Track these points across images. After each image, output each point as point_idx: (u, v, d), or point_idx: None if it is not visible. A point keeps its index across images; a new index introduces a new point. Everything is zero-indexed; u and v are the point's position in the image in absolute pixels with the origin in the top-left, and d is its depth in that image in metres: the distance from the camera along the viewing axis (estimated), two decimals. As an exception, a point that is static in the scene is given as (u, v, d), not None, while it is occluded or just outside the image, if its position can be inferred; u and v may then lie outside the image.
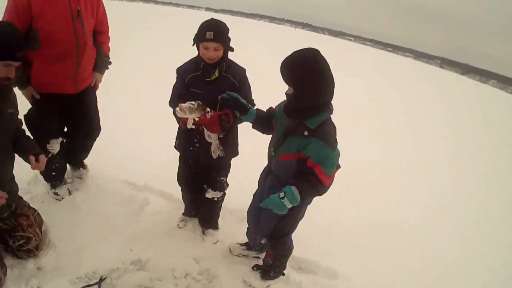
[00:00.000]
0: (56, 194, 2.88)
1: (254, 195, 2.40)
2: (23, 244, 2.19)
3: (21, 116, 2.25)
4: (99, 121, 2.95)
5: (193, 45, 2.20)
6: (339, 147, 1.87)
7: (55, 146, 2.67)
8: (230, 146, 2.41)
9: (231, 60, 2.30)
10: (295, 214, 2.09)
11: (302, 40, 26.86)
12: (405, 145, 6.43)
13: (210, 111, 2.08)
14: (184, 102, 2.02)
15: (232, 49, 2.22)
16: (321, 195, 1.88)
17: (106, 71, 2.85)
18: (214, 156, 2.32)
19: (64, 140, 2.77)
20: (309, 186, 1.83)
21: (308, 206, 2.18)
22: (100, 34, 2.70)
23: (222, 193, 2.65)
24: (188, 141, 2.40)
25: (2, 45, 1.78)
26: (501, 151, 7.72)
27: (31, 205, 2.41)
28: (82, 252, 2.41)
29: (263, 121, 2.13)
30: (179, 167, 2.65)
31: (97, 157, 3.42)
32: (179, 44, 5.40)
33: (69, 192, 2.93)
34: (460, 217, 4.17)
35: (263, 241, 2.30)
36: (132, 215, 2.88)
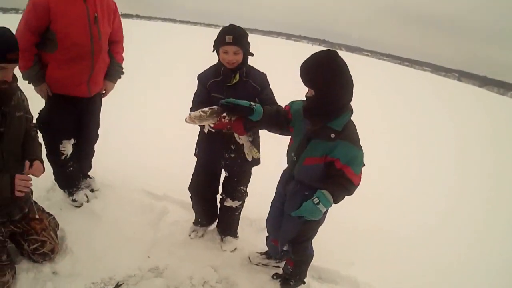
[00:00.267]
0: (74, 201, 2.87)
1: (272, 203, 2.36)
2: (37, 247, 2.17)
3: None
4: (97, 129, 2.98)
5: (213, 51, 2.23)
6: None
7: (67, 146, 2.68)
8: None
9: (252, 66, 2.32)
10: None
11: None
12: (425, 157, 6.26)
13: (229, 116, 2.02)
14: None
15: (251, 54, 2.24)
16: (351, 194, 1.88)
17: (129, 82, 2.89)
18: (249, 159, 2.28)
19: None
20: (340, 188, 1.83)
21: (328, 216, 2.14)
22: (114, 44, 2.77)
23: (241, 201, 2.62)
24: (214, 147, 2.38)
25: None
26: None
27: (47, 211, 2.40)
28: (99, 258, 2.38)
29: (271, 119, 2.04)
30: (193, 175, 2.61)
31: (117, 166, 3.50)
32: (198, 57, 5.46)
33: (87, 198, 2.92)
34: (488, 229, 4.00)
35: (285, 248, 2.24)
36: (151, 223, 2.85)
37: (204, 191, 2.62)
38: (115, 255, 2.44)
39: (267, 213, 2.40)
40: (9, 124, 1.91)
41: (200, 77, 2.32)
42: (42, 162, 2.08)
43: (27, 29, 2.29)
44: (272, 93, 2.33)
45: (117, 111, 5.27)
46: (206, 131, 2.14)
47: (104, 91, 2.88)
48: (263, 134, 2.20)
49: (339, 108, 1.80)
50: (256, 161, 2.46)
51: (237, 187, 2.55)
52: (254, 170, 2.56)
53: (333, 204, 1.86)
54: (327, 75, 1.71)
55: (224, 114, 2.00)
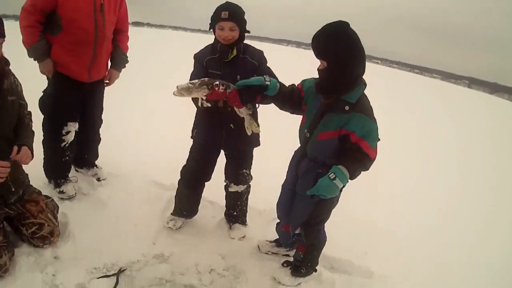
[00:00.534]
0: (61, 192, 2.68)
1: (282, 186, 2.28)
2: (35, 231, 2.09)
3: (30, 108, 2.16)
4: (101, 114, 2.96)
5: (209, 29, 2.22)
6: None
7: (71, 130, 2.63)
8: (252, 135, 2.26)
9: (249, 44, 2.29)
10: (332, 198, 1.92)
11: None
12: (435, 161, 6.11)
13: (223, 85, 1.92)
14: None
15: (248, 31, 2.21)
16: (368, 169, 1.83)
17: (137, 79, 2.87)
18: (248, 133, 2.19)
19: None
20: (356, 162, 1.78)
21: (339, 206, 2.08)
22: (119, 33, 2.79)
23: (246, 185, 2.54)
24: (212, 127, 2.31)
25: None
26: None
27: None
28: (102, 244, 2.30)
29: (285, 96, 1.97)
30: (188, 160, 2.50)
31: (124, 157, 3.47)
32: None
33: (75, 191, 2.74)
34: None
35: (297, 231, 2.14)
36: (158, 212, 2.77)
37: (199, 176, 2.50)
38: (119, 241, 2.36)
39: (277, 201, 2.32)
40: (1, 107, 1.86)
41: (197, 56, 2.28)
42: (31, 149, 1.99)
43: (32, 7, 2.33)
44: (270, 68, 2.27)
45: (126, 102, 5.27)
46: (200, 104, 2.05)
47: (108, 80, 2.88)
48: (272, 126, 2.12)
49: (352, 80, 1.76)
50: (256, 142, 2.42)
51: (239, 170, 2.49)
52: (261, 162, 2.50)
53: (349, 181, 1.78)
54: (338, 44, 1.68)
55: (217, 82, 1.91)
